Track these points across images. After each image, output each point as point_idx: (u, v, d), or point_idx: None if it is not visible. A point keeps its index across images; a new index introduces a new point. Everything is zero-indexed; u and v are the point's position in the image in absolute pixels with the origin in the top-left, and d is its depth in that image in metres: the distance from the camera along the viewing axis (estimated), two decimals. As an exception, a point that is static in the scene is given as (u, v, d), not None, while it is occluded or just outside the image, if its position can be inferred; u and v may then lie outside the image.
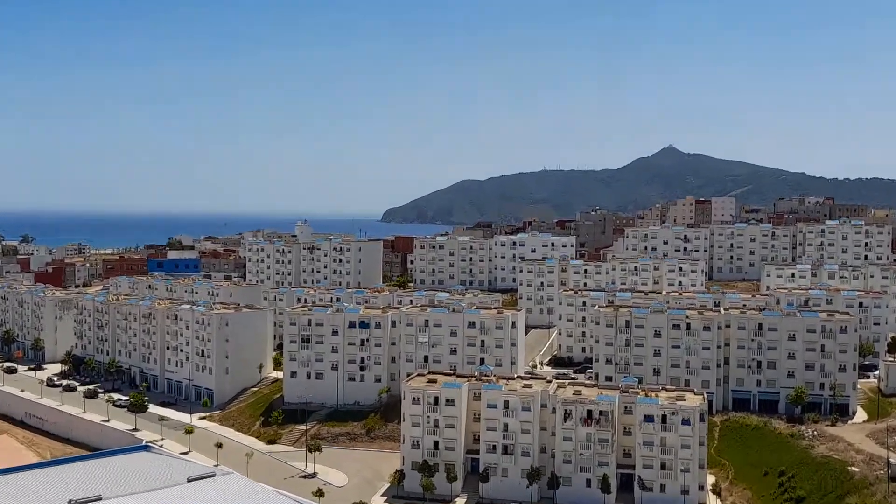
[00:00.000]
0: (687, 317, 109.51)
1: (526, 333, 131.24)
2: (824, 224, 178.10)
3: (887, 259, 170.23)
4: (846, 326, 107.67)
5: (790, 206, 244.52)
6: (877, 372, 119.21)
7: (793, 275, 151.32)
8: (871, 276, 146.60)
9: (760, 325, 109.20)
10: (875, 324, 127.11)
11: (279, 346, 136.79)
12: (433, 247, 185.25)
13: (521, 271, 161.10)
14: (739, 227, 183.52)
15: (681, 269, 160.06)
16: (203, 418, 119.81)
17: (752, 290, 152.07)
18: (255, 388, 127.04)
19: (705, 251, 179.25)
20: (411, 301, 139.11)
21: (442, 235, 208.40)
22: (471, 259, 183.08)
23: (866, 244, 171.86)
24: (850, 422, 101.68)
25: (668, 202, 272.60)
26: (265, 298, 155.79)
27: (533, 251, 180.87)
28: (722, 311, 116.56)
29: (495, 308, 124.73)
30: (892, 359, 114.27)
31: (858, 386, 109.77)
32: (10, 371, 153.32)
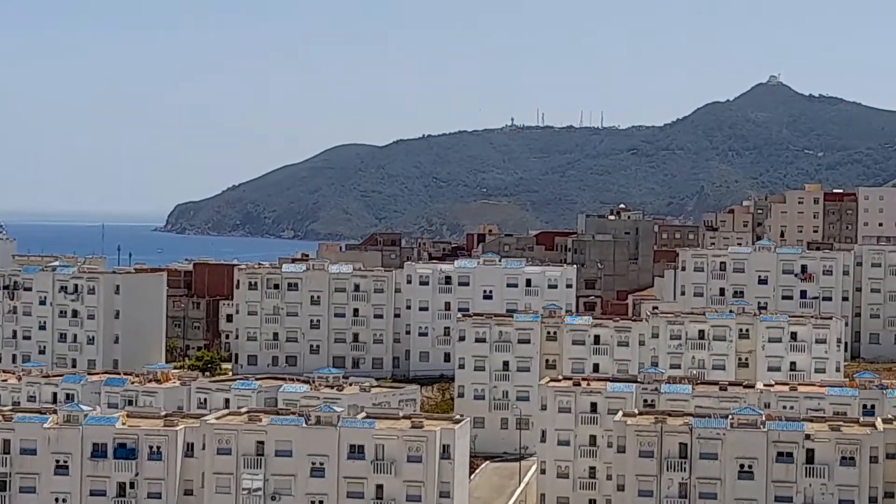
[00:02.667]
0: (809, 437, 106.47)
1: (473, 472, 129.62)
2: None
3: None
4: None
5: None
6: None
7: None
8: None
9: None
10: None
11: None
12: (274, 286, 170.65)
13: (461, 339, 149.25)
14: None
15: (794, 334, 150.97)
16: None
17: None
18: None
19: (845, 299, 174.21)
20: (227, 402, 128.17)
21: (296, 261, 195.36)
22: (357, 313, 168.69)
23: None
24: None
25: (768, 195, 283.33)
26: None
27: (488, 296, 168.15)
28: (880, 425, 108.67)
29: (407, 418, 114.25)
30: None
31: None
32: None
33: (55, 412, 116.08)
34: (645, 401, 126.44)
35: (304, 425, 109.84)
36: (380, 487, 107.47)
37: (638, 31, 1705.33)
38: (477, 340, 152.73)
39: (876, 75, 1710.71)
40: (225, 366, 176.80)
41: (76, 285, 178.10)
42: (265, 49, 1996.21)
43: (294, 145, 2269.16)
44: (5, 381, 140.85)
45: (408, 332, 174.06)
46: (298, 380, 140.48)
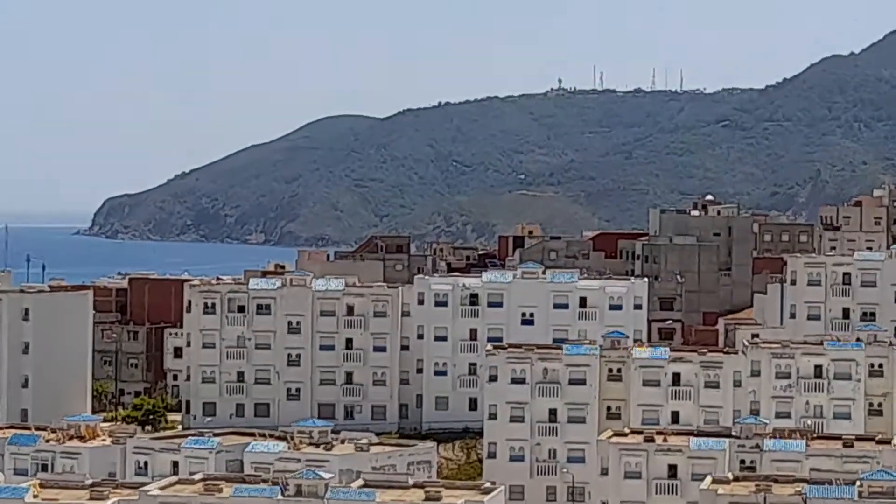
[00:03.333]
0: None
1: None
2: None
3: None
4: None
5: None
6: None
7: None
8: None
9: None
10: None
11: None
12: (238, 308, 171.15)
13: (492, 379, 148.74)
14: None
15: None
16: None
17: None
18: None
19: None
20: (176, 466, 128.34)
21: (268, 274, 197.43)
22: (351, 344, 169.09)
23: None
24: None
25: None
26: None
27: (528, 321, 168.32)
28: None
29: (420, 487, 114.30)
30: None
31: None
32: None
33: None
34: (742, 462, 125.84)
35: (281, 497, 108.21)
36: None
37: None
38: (513, 381, 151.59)
39: None
40: (172, 417, 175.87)
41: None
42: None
43: (266, 119, 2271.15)
44: None
45: (419, 371, 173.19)
46: (272, 436, 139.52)
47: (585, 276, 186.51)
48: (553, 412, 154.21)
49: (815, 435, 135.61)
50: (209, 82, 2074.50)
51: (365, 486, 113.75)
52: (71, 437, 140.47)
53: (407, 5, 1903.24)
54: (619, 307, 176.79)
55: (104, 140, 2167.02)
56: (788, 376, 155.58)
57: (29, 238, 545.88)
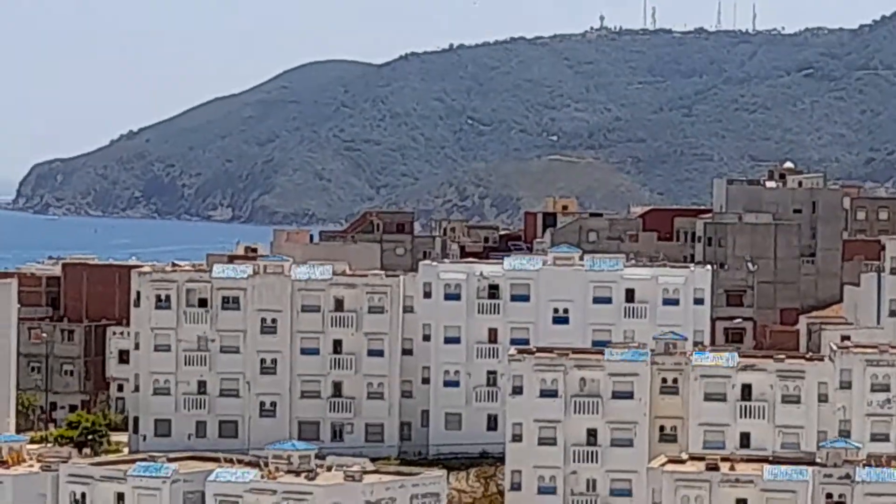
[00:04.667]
0: None
1: None
2: None
3: None
4: None
5: None
6: None
7: None
8: None
9: None
10: None
11: None
12: (199, 301, 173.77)
13: (516, 391, 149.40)
14: None
15: None
16: None
17: None
18: None
19: None
20: (120, 499, 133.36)
21: (236, 259, 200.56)
22: (339, 348, 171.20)
23: None
24: None
25: None
26: None
27: (561, 319, 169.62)
28: None
29: None
30: None
31: None
32: None
33: None
34: (829, 496, 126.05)
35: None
36: None
37: None
38: (543, 394, 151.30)
39: None
40: (117, 438, 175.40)
41: None
42: None
43: (233, 65, 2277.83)
44: None
45: (425, 381, 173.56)
46: (241, 462, 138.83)
47: (633, 262, 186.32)
48: (592, 433, 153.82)
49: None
50: (162, 21, 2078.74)
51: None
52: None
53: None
54: (675, 302, 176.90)
55: (32, 92, 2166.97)
56: (888, 389, 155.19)
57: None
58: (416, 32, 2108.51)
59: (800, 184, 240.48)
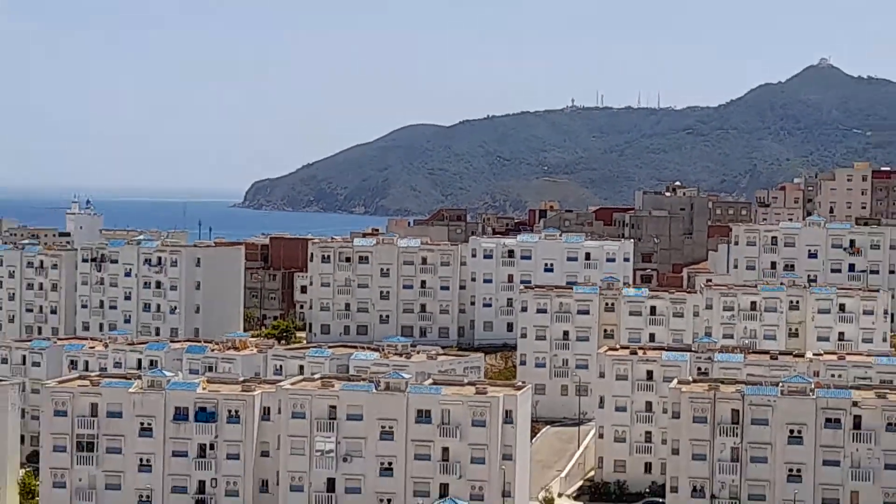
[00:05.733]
0: (856, 404, 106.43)
1: (534, 435, 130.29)
2: None
3: None
4: None
5: None
6: None
7: None
8: None
9: None
10: None
11: (31, 457, 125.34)
12: (346, 258, 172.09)
13: (523, 310, 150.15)
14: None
15: (842, 306, 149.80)
16: None
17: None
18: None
19: (892, 272, 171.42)
20: (301, 368, 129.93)
21: (367, 235, 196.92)
22: (424, 284, 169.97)
23: None
24: None
25: (818, 173, 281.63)
26: (3, 362, 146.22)
27: (549, 269, 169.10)
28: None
29: (472, 385, 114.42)
30: None
31: None
32: None
33: (140, 378, 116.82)
34: (699, 369, 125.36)
35: (374, 391, 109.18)
36: (445, 450, 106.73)
37: (693, 15, 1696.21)
38: (538, 311, 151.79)
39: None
40: (299, 334, 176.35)
41: (160, 258, 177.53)
42: (336, 36, 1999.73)
43: (365, 125, 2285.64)
44: (93, 348, 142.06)
45: (472, 303, 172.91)
46: (369, 348, 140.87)
47: (589, 238, 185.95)
48: (566, 333, 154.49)
49: (750, 351, 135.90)
50: (327, 98, 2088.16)
51: (434, 383, 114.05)
52: (228, 348, 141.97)
53: (466, 45, 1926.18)
54: (613, 260, 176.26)
55: (254, 139, 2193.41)
56: (732, 309, 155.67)
57: (200, 209, 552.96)
58: (468, 106, 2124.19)
59: (684, 194, 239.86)
